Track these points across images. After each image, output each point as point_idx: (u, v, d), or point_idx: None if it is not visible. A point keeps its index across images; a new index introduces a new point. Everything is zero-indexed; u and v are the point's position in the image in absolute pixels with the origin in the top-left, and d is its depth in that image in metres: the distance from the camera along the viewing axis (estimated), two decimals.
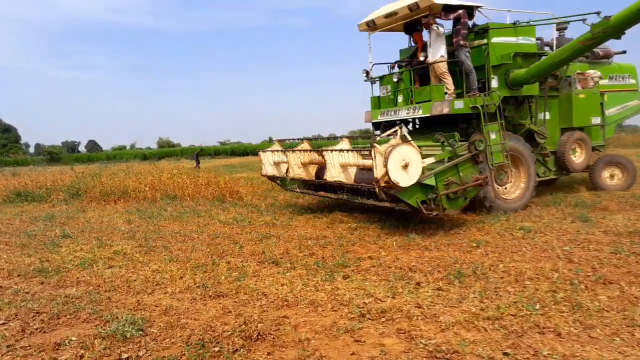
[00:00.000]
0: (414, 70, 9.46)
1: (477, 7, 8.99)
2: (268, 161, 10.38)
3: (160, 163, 32.19)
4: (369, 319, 4.11)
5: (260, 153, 10.84)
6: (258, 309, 4.49)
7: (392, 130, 7.06)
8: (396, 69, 10.29)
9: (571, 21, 9.11)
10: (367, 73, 10.16)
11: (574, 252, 5.75)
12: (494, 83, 8.87)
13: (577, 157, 9.99)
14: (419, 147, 6.99)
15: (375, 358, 3.37)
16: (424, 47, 9.39)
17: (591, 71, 10.22)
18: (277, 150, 10.14)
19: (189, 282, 5.38)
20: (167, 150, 63.70)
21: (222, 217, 9.75)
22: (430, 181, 7.02)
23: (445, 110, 8.45)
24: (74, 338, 3.98)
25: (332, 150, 8.24)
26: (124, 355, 3.60)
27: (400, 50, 10.72)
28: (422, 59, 9.36)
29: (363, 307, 4.33)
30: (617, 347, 3.32)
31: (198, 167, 26.83)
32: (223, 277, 5.50)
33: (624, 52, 11.19)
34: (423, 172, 6.85)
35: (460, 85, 8.82)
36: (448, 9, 8.62)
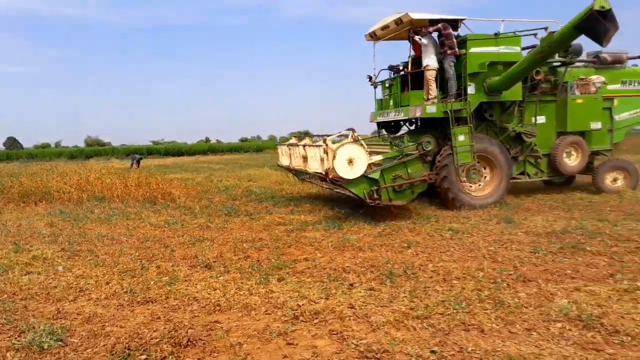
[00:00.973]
0: (406, 77, 10.19)
1: (460, 20, 9.72)
2: (282, 154, 11.67)
3: (88, 163, 30.64)
4: (302, 321, 4.11)
5: (277, 146, 12.49)
6: (189, 314, 4.36)
7: (346, 131, 8.29)
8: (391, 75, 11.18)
9: (525, 35, 9.68)
10: (371, 78, 11.12)
11: (498, 251, 6.06)
12: (471, 90, 9.53)
13: (572, 160, 10.36)
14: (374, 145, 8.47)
15: None
16: (419, 56, 10.08)
17: (594, 77, 10.39)
18: (292, 145, 10.95)
19: (115, 288, 5.13)
20: (95, 149, 60.60)
21: (153, 219, 9.40)
22: (375, 175, 8.12)
23: (418, 114, 9.45)
24: None
25: (310, 146, 9.38)
26: None
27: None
28: (401, 67, 10.49)
29: (297, 310, 4.32)
30: (534, 341, 3.52)
31: (133, 167, 25.73)
32: (152, 282, 5.30)
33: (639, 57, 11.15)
34: (370, 168, 8.05)
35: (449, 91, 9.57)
36: (431, 22, 9.48)
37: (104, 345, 3.74)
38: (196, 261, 6.13)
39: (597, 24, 7.20)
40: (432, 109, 9.29)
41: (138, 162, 27.97)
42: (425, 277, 5.13)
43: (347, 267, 5.63)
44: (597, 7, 7.10)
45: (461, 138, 8.99)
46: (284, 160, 11.50)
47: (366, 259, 5.98)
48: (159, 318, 4.28)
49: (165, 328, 4.01)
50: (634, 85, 11.02)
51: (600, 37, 7.36)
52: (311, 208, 10.07)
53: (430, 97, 9.50)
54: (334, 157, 7.79)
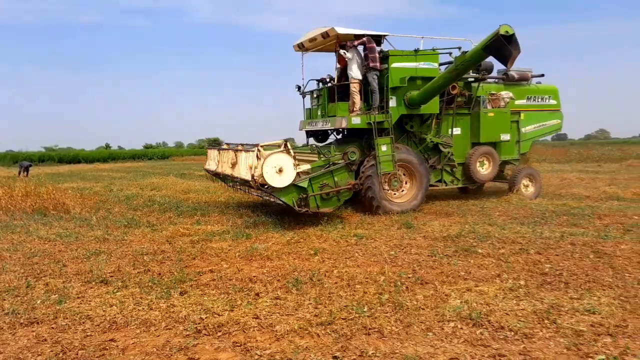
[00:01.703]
0: (333, 88, 10.59)
1: (383, 35, 10.19)
2: (211, 158, 11.72)
3: None
4: (205, 334, 3.99)
5: (208, 149, 12.62)
6: (80, 334, 4.06)
7: (279, 141, 8.58)
8: (320, 86, 11.46)
9: (442, 53, 10.39)
10: (299, 88, 11.41)
11: (399, 256, 6.33)
12: (392, 103, 10.05)
13: (485, 169, 11.20)
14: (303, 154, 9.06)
15: None
16: (344, 68, 10.42)
17: (503, 92, 11.29)
18: (222, 149, 11.06)
19: None
20: None
21: (42, 232, 8.63)
22: (304, 184, 8.50)
23: (344, 125, 9.87)
24: None
25: (242, 151, 9.47)
26: None
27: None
28: (328, 79, 10.89)
29: (199, 323, 4.19)
30: (430, 341, 3.71)
31: (22, 175, 23.49)
32: (39, 301, 4.86)
33: (542, 75, 12.27)
34: (298, 176, 8.42)
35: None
36: (356, 37, 9.87)
37: None
38: (91, 276, 5.72)
39: (502, 47, 7.89)
40: (356, 120, 9.73)
41: (27, 170, 25.65)
42: (330, 283, 5.22)
43: (254, 277, 5.57)
44: (502, 32, 7.81)
45: (384, 148, 9.53)
46: (212, 165, 11.46)
47: (273, 267, 5.96)
48: (45, 340, 3.93)
49: (52, 351, 3.70)
50: (537, 101, 12.18)
51: (505, 59, 8.05)
52: (219, 218, 9.86)
53: (355, 108, 9.91)
54: (263, 166, 8.02)
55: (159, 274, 5.82)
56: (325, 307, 4.48)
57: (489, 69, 11.45)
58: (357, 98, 9.93)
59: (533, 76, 12.16)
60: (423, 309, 4.38)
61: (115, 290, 5.18)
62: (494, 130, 11.18)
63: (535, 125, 12.11)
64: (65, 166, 43.15)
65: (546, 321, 3.99)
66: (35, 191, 12.24)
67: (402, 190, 10.22)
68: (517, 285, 4.94)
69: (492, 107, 11.22)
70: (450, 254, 6.34)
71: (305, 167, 8.75)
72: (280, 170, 8.14)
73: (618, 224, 7.94)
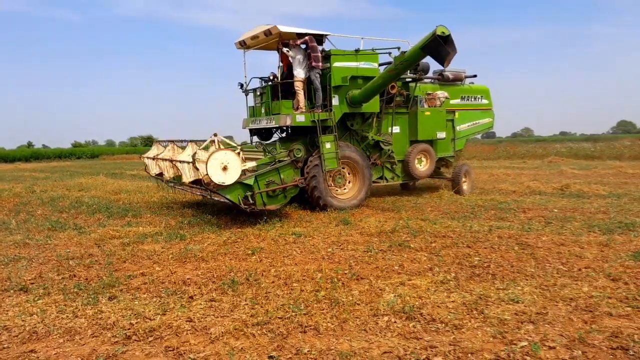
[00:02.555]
0: (277, 86, 10.44)
1: (324, 35, 10.19)
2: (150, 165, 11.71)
3: None
4: (136, 340, 3.83)
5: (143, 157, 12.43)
6: None
7: (210, 139, 8.63)
8: (262, 84, 11.28)
9: (382, 53, 10.56)
10: (242, 85, 11.29)
11: (336, 252, 6.39)
12: (335, 101, 10.20)
13: (423, 166, 11.50)
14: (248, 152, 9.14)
15: None
16: (288, 66, 10.47)
17: (439, 92, 11.58)
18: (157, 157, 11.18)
19: None
20: None
21: None
22: (249, 181, 8.49)
23: (289, 123, 9.85)
24: None
25: (180, 162, 9.59)
26: None
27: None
28: (271, 77, 10.77)
29: (129, 329, 4.01)
30: (364, 336, 3.76)
31: None
32: None
33: (475, 76, 12.73)
34: (244, 174, 8.39)
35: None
36: (299, 36, 9.86)
37: None
38: (9, 284, 5.33)
39: (439, 47, 8.14)
40: (301, 118, 9.81)
41: None
42: (267, 282, 5.17)
43: (188, 279, 5.41)
44: (438, 33, 8.05)
45: (328, 146, 9.69)
46: (154, 169, 11.45)
47: (209, 269, 5.82)
48: None
49: None
50: (471, 100, 12.66)
51: (442, 58, 8.28)
52: (151, 219, 9.51)
53: (299, 106, 9.96)
54: (207, 163, 7.94)
55: (86, 279, 5.52)
56: (261, 307, 4.43)
57: (426, 70, 11.78)
58: (301, 96, 9.99)
59: (466, 77, 12.61)
60: (358, 304, 4.43)
61: (36, 298, 4.86)
62: (430, 129, 11.52)
63: (469, 124, 12.60)
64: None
65: (474, 312, 4.16)
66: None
67: (345, 188, 10.42)
68: (448, 278, 5.12)
69: (429, 107, 11.57)
70: (385, 249, 6.47)
71: (251, 164, 8.75)
72: (225, 168, 8.06)
73: (540, 217, 8.45)
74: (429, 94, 11.61)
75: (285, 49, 9.95)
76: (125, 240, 7.54)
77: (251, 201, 8.46)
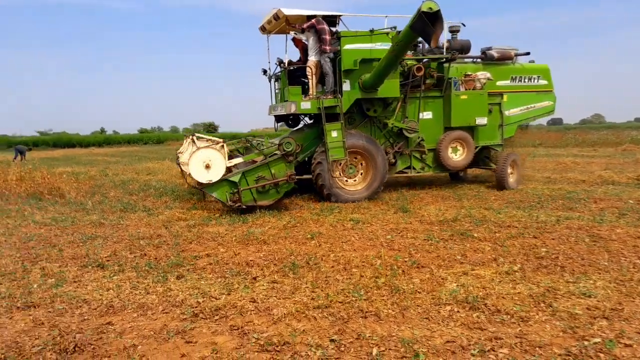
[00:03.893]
0: (290, 72, 10.19)
1: (337, 15, 9.76)
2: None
3: None
4: (202, 318, 3.99)
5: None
6: (77, 317, 4.05)
7: (190, 138, 8.89)
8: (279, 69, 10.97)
9: (376, 33, 9.64)
10: (265, 71, 10.83)
11: (395, 240, 6.34)
12: (346, 86, 9.60)
13: (459, 156, 10.54)
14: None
15: (206, 357, 3.28)
16: (305, 51, 10.08)
17: (479, 73, 10.51)
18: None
19: None
20: None
21: (38, 217, 8.60)
22: (235, 178, 8.34)
23: (293, 110, 9.53)
24: None
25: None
26: None
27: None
28: (277, 63, 10.40)
29: (196, 307, 4.19)
30: (426, 324, 3.73)
31: (17, 160, 23.38)
32: (36, 285, 4.85)
33: (527, 53, 11.30)
34: (230, 171, 8.39)
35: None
36: (309, 18, 9.45)
37: None
38: (87, 261, 5.71)
39: (425, 25, 7.28)
40: (306, 105, 9.45)
41: (23, 154, 25.53)
42: (326, 267, 5.22)
43: (251, 261, 5.57)
44: (424, 9, 7.21)
45: (334, 134, 9.16)
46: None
47: (270, 251, 5.95)
48: (43, 324, 3.92)
49: (49, 334, 3.69)
50: (524, 82, 11.26)
51: (429, 37, 7.45)
52: (215, 202, 9.82)
53: (310, 92, 9.62)
54: (189, 163, 8.10)
55: (156, 258, 5.81)
56: (322, 290, 4.49)
57: (465, 48, 10.86)
58: (311, 82, 9.60)
59: (517, 55, 11.25)
60: (419, 292, 4.39)
61: (111, 275, 5.18)
62: (467, 114, 10.46)
63: (521, 108, 11.29)
64: (59, 150, 42.92)
65: (542, 304, 4.01)
66: (30, 176, 12.20)
67: (356, 179, 9.87)
68: (514, 269, 4.95)
69: (466, 89, 10.50)
70: (446, 238, 6.35)
71: (237, 160, 8.78)
72: (208, 166, 8.17)
73: (613, 208, 7.97)
74: (468, 75, 10.58)
75: (292, 32, 9.61)
76: (190, 222, 7.85)
77: (238, 197, 8.32)
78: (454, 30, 10.88)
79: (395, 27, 9.52)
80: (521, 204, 8.62)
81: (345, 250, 5.88)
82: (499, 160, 10.58)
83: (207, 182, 8.19)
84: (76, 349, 3.45)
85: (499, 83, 10.97)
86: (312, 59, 9.51)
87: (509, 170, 10.49)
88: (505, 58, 11.13)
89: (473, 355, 3.20)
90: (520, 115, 11.35)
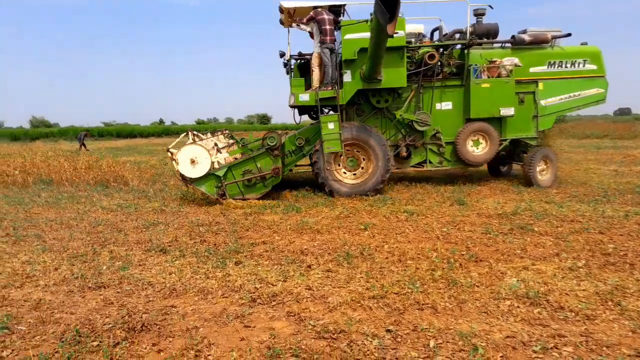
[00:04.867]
0: (303, 64, 10.12)
1: (341, 5, 9.52)
2: None
3: (34, 144, 29.21)
4: (260, 303, 4.10)
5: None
6: (143, 299, 4.27)
7: (184, 134, 9.18)
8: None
9: (358, 23, 9.16)
10: (286, 64, 10.44)
11: (451, 232, 6.23)
12: (347, 77, 9.35)
13: (482, 149, 9.81)
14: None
15: (264, 342, 3.37)
16: None
17: (505, 59, 9.68)
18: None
19: (65, 274, 4.95)
20: (42, 131, 57.85)
21: (104, 203, 9.10)
22: (220, 172, 8.70)
23: (292, 102, 9.55)
24: None
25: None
26: None
27: None
28: (279, 55, 10.05)
29: (254, 292, 4.31)
30: (484, 318, 3.65)
31: (84, 149, 24.77)
32: (105, 267, 5.14)
33: (568, 34, 9.98)
34: (216, 166, 8.71)
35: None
36: (314, 9, 9.31)
37: (53, 332, 3.60)
38: (150, 245, 5.99)
39: (381, 11, 6.71)
40: (304, 97, 9.36)
41: (83, 138, 26.98)
42: (381, 258, 5.21)
43: (305, 249, 5.65)
44: None
45: (331, 126, 8.94)
46: None
47: (324, 241, 6.01)
48: (112, 303, 4.16)
49: (118, 313, 3.91)
50: (565, 67, 9.99)
51: (385, 24, 6.87)
52: (269, 192, 9.99)
53: (314, 84, 9.49)
54: (175, 161, 8.50)
55: (215, 244, 6.01)
56: (376, 281, 4.49)
57: (492, 33, 10.03)
58: (314, 74, 9.45)
59: (555, 37, 9.97)
60: (477, 286, 4.30)
61: (173, 259, 5.40)
62: (489, 104, 9.62)
63: (562, 97, 10.02)
64: (122, 140, 45.00)
65: (609, 303, 3.83)
66: (97, 164, 12.88)
67: (356, 172, 9.55)
68: (578, 265, 4.75)
69: (490, 77, 9.67)
70: (505, 232, 6.17)
71: (224, 155, 9.04)
72: (193, 162, 8.50)
73: None
74: (492, 61, 9.71)
75: (294, 24, 9.44)
76: (247, 211, 8.05)
77: (223, 191, 8.67)
78: (479, 14, 10.03)
79: (372, 13, 9.00)
80: (585, 198, 8.22)
81: (400, 242, 5.84)
82: (528, 155, 9.80)
83: (193, 177, 8.57)
84: (143, 328, 3.64)
85: (532, 69, 9.92)
86: (315, 50, 9.41)
87: (541, 167, 9.73)
88: (539, 41, 9.94)
89: (535, 352, 3.10)
90: (560, 105, 10.11)
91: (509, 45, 10.04)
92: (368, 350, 3.18)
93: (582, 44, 10.25)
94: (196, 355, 3.20)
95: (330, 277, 4.66)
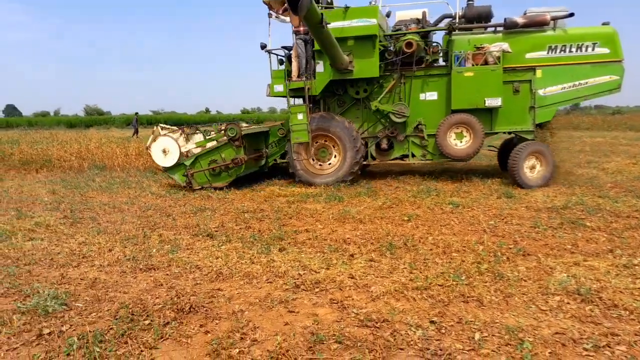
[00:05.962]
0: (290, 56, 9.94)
1: None
2: None
3: (88, 131, 30.49)
4: (303, 289, 4.15)
5: None
6: (191, 281, 4.41)
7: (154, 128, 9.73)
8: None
9: (328, 9, 9.18)
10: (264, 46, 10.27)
11: (498, 226, 6.08)
12: (320, 68, 9.31)
13: (465, 143, 9.18)
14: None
15: (308, 327, 3.42)
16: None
17: (492, 45, 8.92)
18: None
19: (118, 255, 5.18)
20: (95, 118, 60.39)
21: (154, 188, 9.43)
22: (188, 162, 9.24)
23: (267, 93, 9.83)
24: None
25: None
26: (45, 331, 3.43)
27: None
28: (262, 47, 9.79)
29: (298, 279, 4.37)
30: (532, 313, 3.56)
31: (137, 135, 25.78)
32: (155, 250, 5.34)
33: (571, 14, 8.85)
34: (185, 155, 9.26)
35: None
36: None
37: (107, 309, 3.79)
38: (198, 230, 6.17)
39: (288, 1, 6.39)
40: (279, 88, 9.57)
41: (137, 124, 28.11)
42: (425, 249, 5.16)
43: (348, 238, 5.66)
44: None
45: (300, 117, 8.90)
46: None
47: (367, 231, 6.00)
48: (162, 285, 4.32)
49: (167, 295, 4.06)
50: (567, 52, 8.86)
51: (294, 10, 6.47)
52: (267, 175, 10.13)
53: (294, 75, 9.45)
54: (150, 151, 9.30)
55: (259, 230, 6.12)
56: (420, 272, 4.45)
57: (484, 17, 9.35)
58: (294, 64, 9.40)
59: (556, 18, 8.84)
60: (525, 280, 4.19)
61: (220, 244, 5.54)
62: (473, 94, 8.92)
63: (565, 85, 8.90)
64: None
65: None
66: (147, 151, 13.29)
67: (330, 162, 9.61)
68: (634, 263, 4.53)
69: (474, 65, 8.96)
70: (555, 226, 5.96)
71: (191, 145, 9.57)
72: (165, 152, 9.19)
73: None
74: (479, 48, 8.98)
75: (274, 16, 9.10)
76: (290, 199, 8.14)
77: (190, 179, 9.21)
78: None
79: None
80: None
81: (444, 234, 5.76)
82: (514, 150, 8.86)
83: (166, 166, 9.30)
84: (191, 309, 3.77)
85: (529, 55, 8.94)
86: (294, 40, 9.38)
87: (531, 163, 8.79)
88: (535, 24, 8.86)
89: (586, 349, 3.01)
90: (562, 95, 8.99)
91: (502, 30, 9.16)
92: (412, 340, 3.17)
93: (603, 24, 8.99)
94: (242, 338, 3.29)
95: (373, 267, 4.66)
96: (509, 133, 9.76)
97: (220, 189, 9.16)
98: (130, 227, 6.39)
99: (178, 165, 9.26)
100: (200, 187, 9.24)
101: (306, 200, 8.08)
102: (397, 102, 9.52)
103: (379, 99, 9.55)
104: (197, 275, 4.58)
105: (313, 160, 9.65)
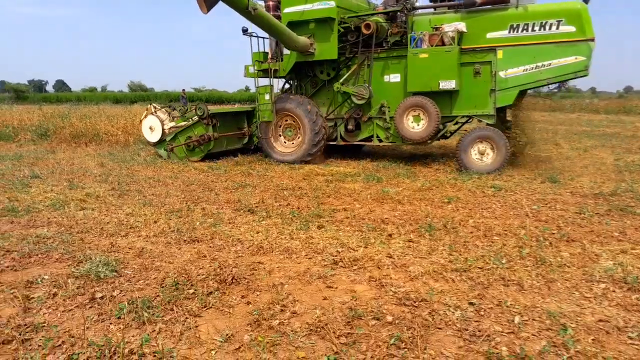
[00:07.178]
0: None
1: None
2: None
3: (132, 107, 31.32)
4: (342, 266, 4.21)
5: None
6: (233, 254, 4.54)
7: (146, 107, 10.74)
8: None
9: None
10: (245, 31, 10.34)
11: (542, 210, 5.94)
12: (286, 50, 9.86)
13: (422, 126, 8.93)
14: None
15: (346, 303, 3.47)
16: None
17: (447, 25, 8.57)
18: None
19: (163, 227, 5.37)
20: (139, 94, 61.90)
21: (196, 164, 9.66)
22: (169, 137, 10.27)
23: (244, 74, 10.46)
24: (46, 277, 3.97)
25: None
26: (98, 295, 3.62)
27: None
28: (243, 31, 10.00)
29: (336, 256, 4.42)
30: (575, 300, 3.49)
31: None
32: (198, 223, 5.51)
33: None
34: (167, 132, 10.31)
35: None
36: None
37: (154, 278, 3.96)
38: (239, 205, 6.31)
39: None
40: (253, 70, 10.15)
41: (185, 100, 28.97)
42: (465, 232, 5.11)
43: (386, 218, 5.67)
44: None
45: (266, 97, 9.52)
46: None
47: (405, 212, 5.99)
48: (205, 256, 4.47)
49: (210, 266, 4.19)
50: (529, 31, 8.24)
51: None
52: (350, 160, 10.08)
53: (270, 56, 10.12)
54: (141, 127, 10.65)
55: (298, 207, 6.21)
56: (460, 254, 4.43)
57: None
58: (271, 47, 10.01)
59: None
60: (568, 266, 4.10)
61: (260, 219, 5.66)
62: (428, 76, 8.67)
63: (525, 67, 8.35)
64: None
65: None
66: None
67: (294, 142, 10.04)
68: None
69: (430, 46, 8.63)
70: (602, 213, 5.78)
71: (172, 124, 10.49)
72: (151, 129, 10.37)
73: None
74: (436, 28, 8.65)
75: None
76: (328, 178, 8.19)
77: (171, 154, 10.24)
78: None
79: None
80: None
81: (486, 217, 5.68)
82: (463, 136, 8.65)
83: (152, 141, 10.44)
84: (233, 281, 3.89)
85: (490, 35, 8.47)
86: None
87: (481, 149, 8.53)
88: (495, 1, 8.44)
89: (631, 338, 2.94)
90: (524, 77, 8.42)
91: (461, 9, 8.76)
92: (450, 320, 3.18)
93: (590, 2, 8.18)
94: (282, 310, 3.38)
95: (412, 247, 4.66)
96: (469, 117, 9.39)
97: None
98: (175, 200, 6.59)
99: (162, 141, 10.35)
100: (177, 160, 10.16)
101: (344, 179, 8.11)
102: (358, 84, 9.54)
103: (340, 80, 9.66)
104: (239, 248, 4.71)
105: (277, 138, 10.21)
